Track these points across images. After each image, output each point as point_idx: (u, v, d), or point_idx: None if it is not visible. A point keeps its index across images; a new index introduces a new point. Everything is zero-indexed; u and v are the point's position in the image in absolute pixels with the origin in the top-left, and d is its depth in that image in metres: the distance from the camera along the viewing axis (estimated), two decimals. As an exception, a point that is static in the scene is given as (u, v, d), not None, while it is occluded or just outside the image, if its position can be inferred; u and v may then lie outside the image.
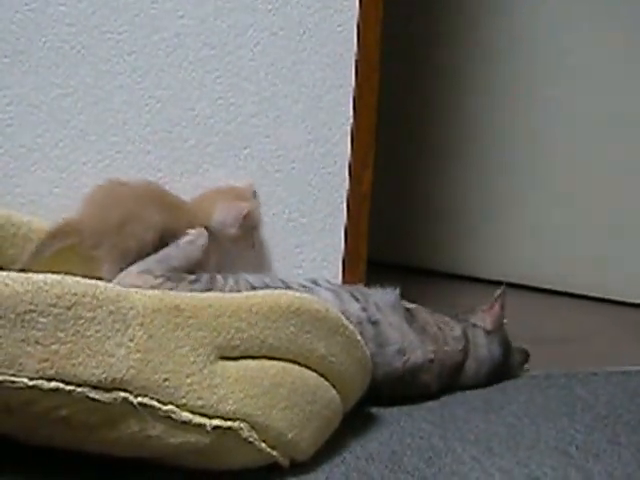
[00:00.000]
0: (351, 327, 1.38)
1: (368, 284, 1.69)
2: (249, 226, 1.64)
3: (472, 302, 1.75)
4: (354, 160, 1.77)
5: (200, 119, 1.68)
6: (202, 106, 1.68)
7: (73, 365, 1.14)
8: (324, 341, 1.32)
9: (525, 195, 2.44)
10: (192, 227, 1.56)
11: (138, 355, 1.17)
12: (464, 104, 2.49)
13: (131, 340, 1.17)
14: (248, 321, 1.26)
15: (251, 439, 1.25)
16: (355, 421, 1.50)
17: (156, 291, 1.27)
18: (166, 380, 1.19)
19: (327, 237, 1.78)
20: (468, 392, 1.64)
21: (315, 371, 1.33)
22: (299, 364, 1.31)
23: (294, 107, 1.73)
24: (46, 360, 1.13)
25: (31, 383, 1.12)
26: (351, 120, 1.76)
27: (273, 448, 1.27)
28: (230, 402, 1.23)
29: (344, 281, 1.78)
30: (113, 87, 1.63)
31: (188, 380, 1.20)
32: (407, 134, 2.56)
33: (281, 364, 1.29)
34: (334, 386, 1.36)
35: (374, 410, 1.56)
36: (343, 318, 1.37)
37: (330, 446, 1.39)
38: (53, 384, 1.13)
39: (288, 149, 1.74)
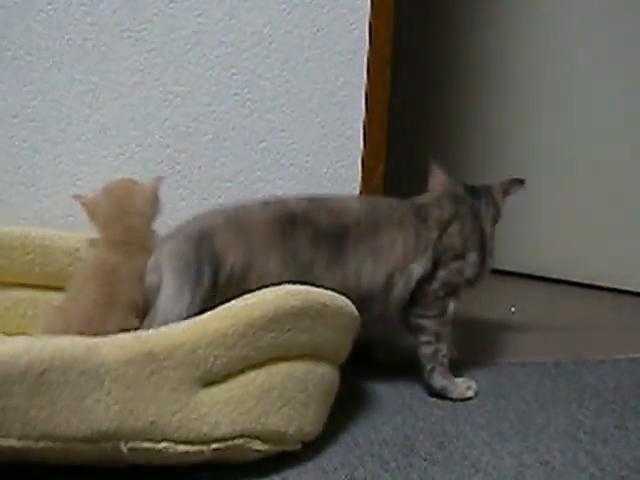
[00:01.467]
0: (329, 299, 1.34)
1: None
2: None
3: (479, 291, 1.74)
4: (367, 154, 1.78)
5: (217, 114, 1.70)
6: (219, 102, 1.70)
7: (55, 427, 1.14)
8: (306, 331, 1.31)
9: (531, 190, 2.45)
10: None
11: (117, 407, 1.17)
12: (479, 100, 2.51)
13: (108, 394, 1.16)
14: (225, 346, 1.23)
15: (254, 447, 1.27)
16: (368, 406, 1.53)
17: (128, 336, 1.23)
18: (153, 423, 1.19)
19: (341, 229, 1.79)
20: (479, 378, 1.65)
21: (300, 356, 1.32)
22: (284, 360, 1.30)
23: (308, 103, 1.75)
24: (28, 424, 1.13)
25: (19, 444, 1.14)
26: (363, 115, 1.77)
27: (279, 444, 1.29)
28: (223, 426, 1.23)
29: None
30: (133, 83, 1.65)
31: (175, 417, 1.20)
32: (420, 128, 2.58)
33: (265, 369, 1.28)
34: (323, 357, 1.36)
35: (387, 395, 1.58)
36: (321, 294, 1.34)
37: (344, 431, 1.42)
38: (42, 444, 1.14)
39: (302, 144, 1.76)
